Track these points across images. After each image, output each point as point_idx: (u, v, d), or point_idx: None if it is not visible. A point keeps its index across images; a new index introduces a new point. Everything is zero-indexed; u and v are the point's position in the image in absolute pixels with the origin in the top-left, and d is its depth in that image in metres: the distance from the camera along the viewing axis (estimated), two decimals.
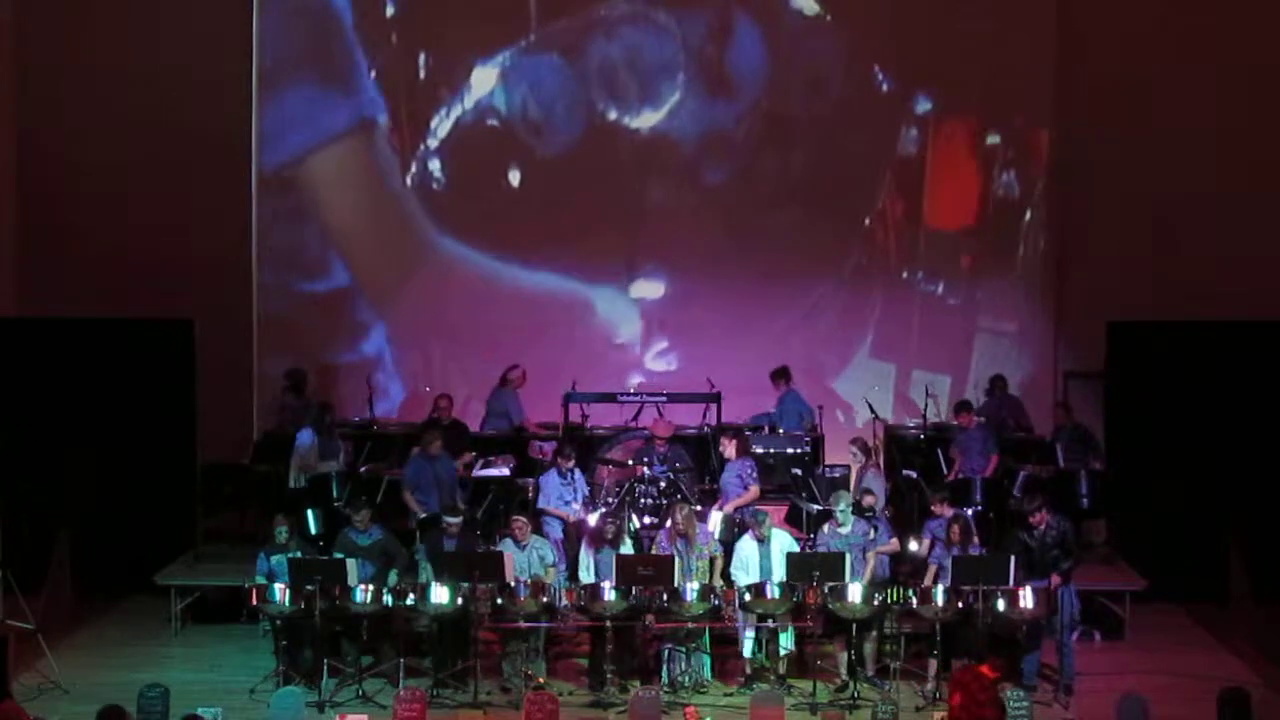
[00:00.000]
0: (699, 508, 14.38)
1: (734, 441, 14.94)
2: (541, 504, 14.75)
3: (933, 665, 13.26)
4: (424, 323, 18.57)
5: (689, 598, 13.09)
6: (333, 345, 18.41)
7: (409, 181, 18.44)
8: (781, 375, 17.16)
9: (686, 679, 13.27)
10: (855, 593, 13.09)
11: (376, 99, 18.34)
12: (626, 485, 15.17)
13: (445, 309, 18.50)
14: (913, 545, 14.06)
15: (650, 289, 18.52)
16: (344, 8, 18.27)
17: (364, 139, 18.40)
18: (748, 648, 13.52)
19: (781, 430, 16.77)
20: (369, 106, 18.34)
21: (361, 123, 18.36)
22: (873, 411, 17.21)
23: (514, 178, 18.42)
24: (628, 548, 13.71)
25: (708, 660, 13.48)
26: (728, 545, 13.93)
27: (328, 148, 18.36)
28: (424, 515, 14.64)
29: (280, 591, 13.16)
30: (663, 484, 15.15)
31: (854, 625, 13.17)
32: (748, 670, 13.51)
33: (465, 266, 18.47)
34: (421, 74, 18.35)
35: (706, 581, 13.44)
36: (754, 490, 14.74)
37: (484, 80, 18.32)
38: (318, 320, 18.43)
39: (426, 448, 15.01)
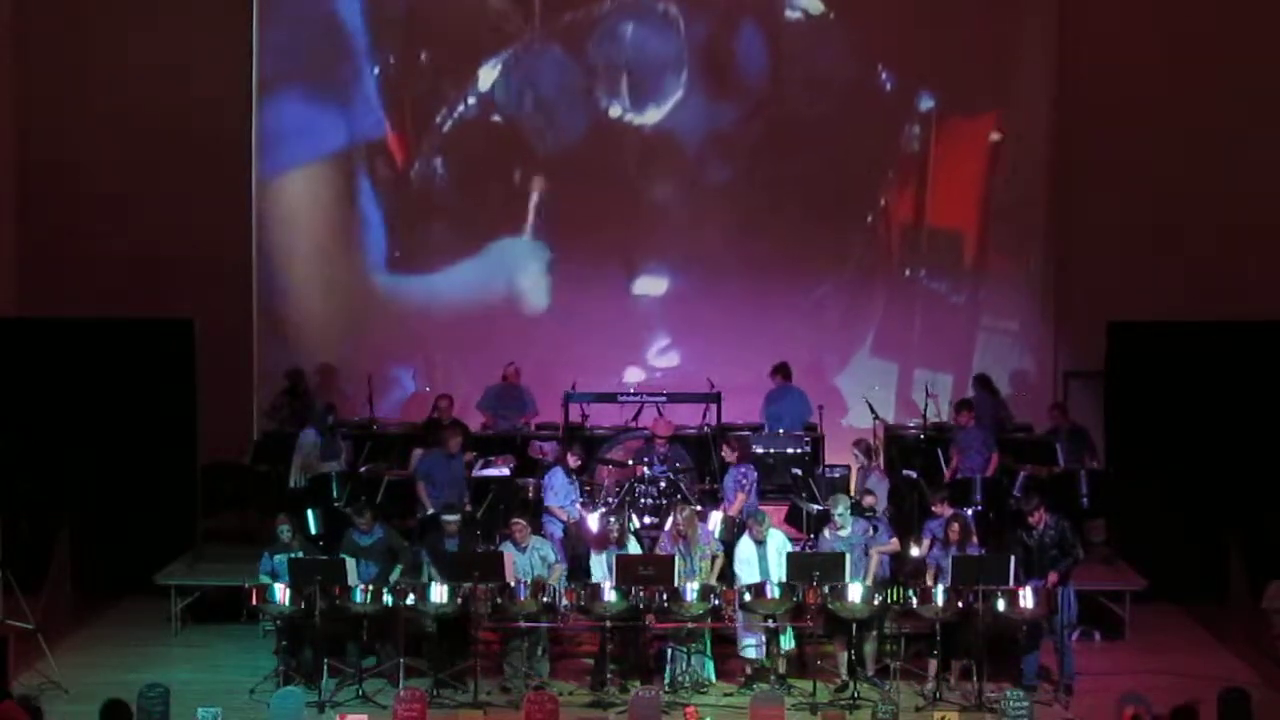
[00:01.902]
0: (699, 508, 14.37)
1: (735, 448, 14.94)
2: (550, 501, 14.72)
3: (933, 665, 13.26)
4: (424, 323, 18.54)
5: (689, 598, 13.09)
6: (340, 343, 18.39)
7: (412, 179, 18.43)
8: (778, 371, 17.15)
9: (687, 679, 13.27)
10: (855, 593, 13.09)
11: (378, 98, 18.33)
12: (626, 485, 15.17)
13: (445, 308, 18.48)
14: (913, 550, 14.06)
15: (652, 286, 18.52)
16: (346, 5, 18.26)
17: (369, 136, 18.40)
18: (751, 650, 13.50)
19: (767, 430, 16.74)
20: (370, 105, 18.34)
21: (365, 119, 18.38)
22: (873, 412, 17.19)
23: (516, 175, 18.41)
24: (634, 547, 13.70)
25: (709, 661, 13.48)
26: (729, 546, 13.93)
27: (341, 151, 18.40)
28: (431, 511, 14.60)
29: (280, 591, 13.17)
30: (663, 484, 15.15)
31: (854, 625, 13.17)
32: (748, 670, 13.50)
33: (465, 265, 18.46)
34: (424, 71, 18.33)
35: (708, 581, 13.43)
36: (740, 499, 14.71)
37: (487, 77, 18.31)
38: (323, 318, 18.41)
39: (446, 444, 14.97)
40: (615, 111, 18.38)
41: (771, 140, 18.28)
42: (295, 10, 18.33)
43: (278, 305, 18.42)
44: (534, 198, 18.39)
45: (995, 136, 18.34)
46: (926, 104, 18.33)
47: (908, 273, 18.52)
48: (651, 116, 18.38)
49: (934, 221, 18.46)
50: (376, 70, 18.34)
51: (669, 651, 13.35)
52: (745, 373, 17.34)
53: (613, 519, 13.84)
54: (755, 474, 14.93)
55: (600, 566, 13.59)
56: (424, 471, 15.01)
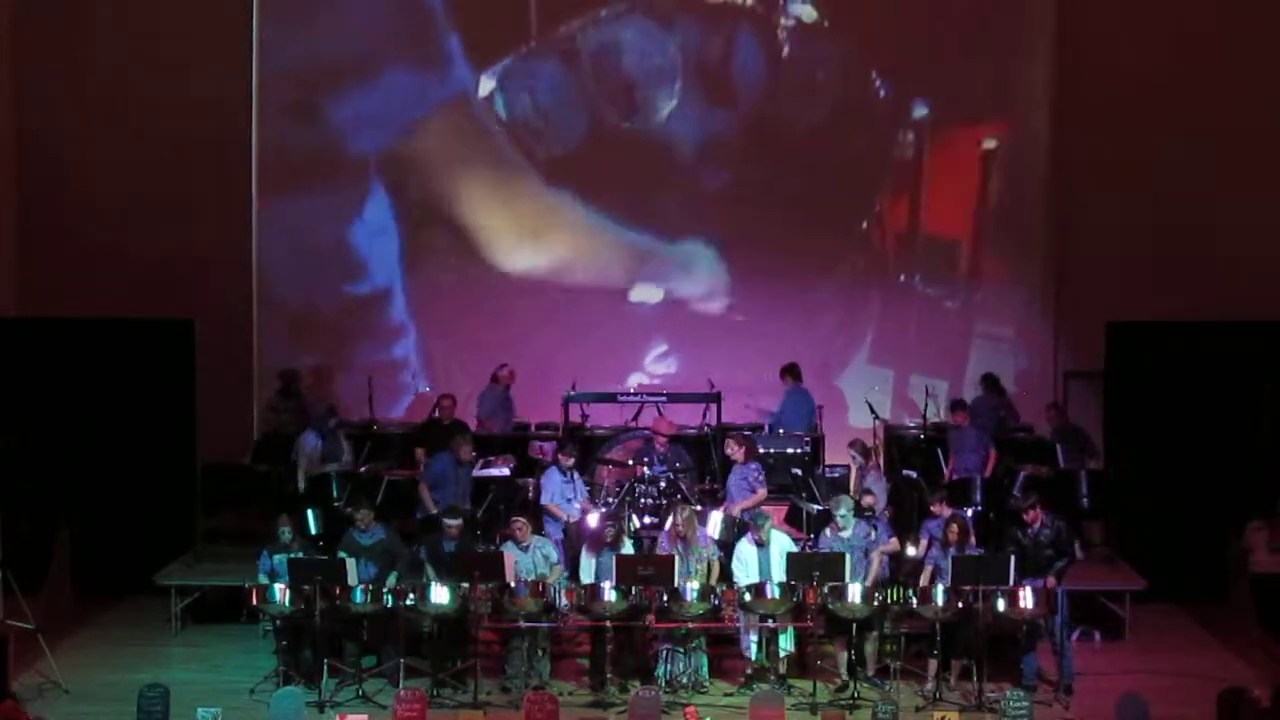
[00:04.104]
0: (699, 508, 14.37)
1: (742, 446, 14.93)
2: (544, 501, 14.74)
3: (933, 665, 13.26)
4: (424, 324, 18.54)
5: (689, 598, 13.10)
6: (340, 343, 18.40)
7: (414, 185, 18.45)
8: (789, 372, 17.19)
9: (685, 679, 13.28)
10: (855, 593, 13.09)
11: (376, 99, 18.32)
12: (626, 485, 15.17)
13: (444, 311, 18.48)
14: (910, 550, 14.06)
15: (649, 293, 18.52)
16: (344, 10, 18.25)
17: (372, 142, 18.39)
18: (751, 649, 13.50)
19: (782, 430, 16.78)
20: (374, 111, 18.33)
21: (369, 125, 18.37)
22: (873, 412, 17.20)
23: (512, 182, 18.42)
24: (628, 549, 13.71)
25: (705, 660, 13.48)
26: (728, 546, 13.93)
27: (340, 152, 18.33)
28: (433, 512, 14.59)
29: (280, 591, 13.16)
30: (663, 484, 15.16)
31: (854, 625, 13.17)
32: (749, 670, 13.50)
33: (464, 269, 18.47)
34: (422, 78, 18.31)
35: (706, 584, 13.42)
36: (761, 494, 14.73)
37: (485, 85, 18.31)
38: (323, 319, 18.41)
39: (457, 450, 14.95)
40: (611, 120, 18.37)
41: (766, 147, 18.27)
42: (296, 11, 18.30)
43: (278, 305, 18.40)
44: None
45: (990, 144, 18.34)
46: (921, 111, 18.34)
47: (903, 279, 18.53)
48: (647, 125, 18.36)
49: (929, 228, 18.47)
50: (376, 72, 18.31)
51: (665, 651, 13.35)
52: (740, 378, 17.33)
53: (610, 522, 13.84)
54: (763, 471, 14.95)
55: (590, 569, 13.59)
56: (432, 478, 14.98)
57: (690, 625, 13.25)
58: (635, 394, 17.09)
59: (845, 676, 13.30)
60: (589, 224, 18.39)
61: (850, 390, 18.18)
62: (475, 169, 18.44)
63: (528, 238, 18.42)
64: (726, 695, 13.24)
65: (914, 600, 13.17)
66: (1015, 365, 18.30)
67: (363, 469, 16.02)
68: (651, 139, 18.36)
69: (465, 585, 13.04)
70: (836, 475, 15.93)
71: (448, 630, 13.31)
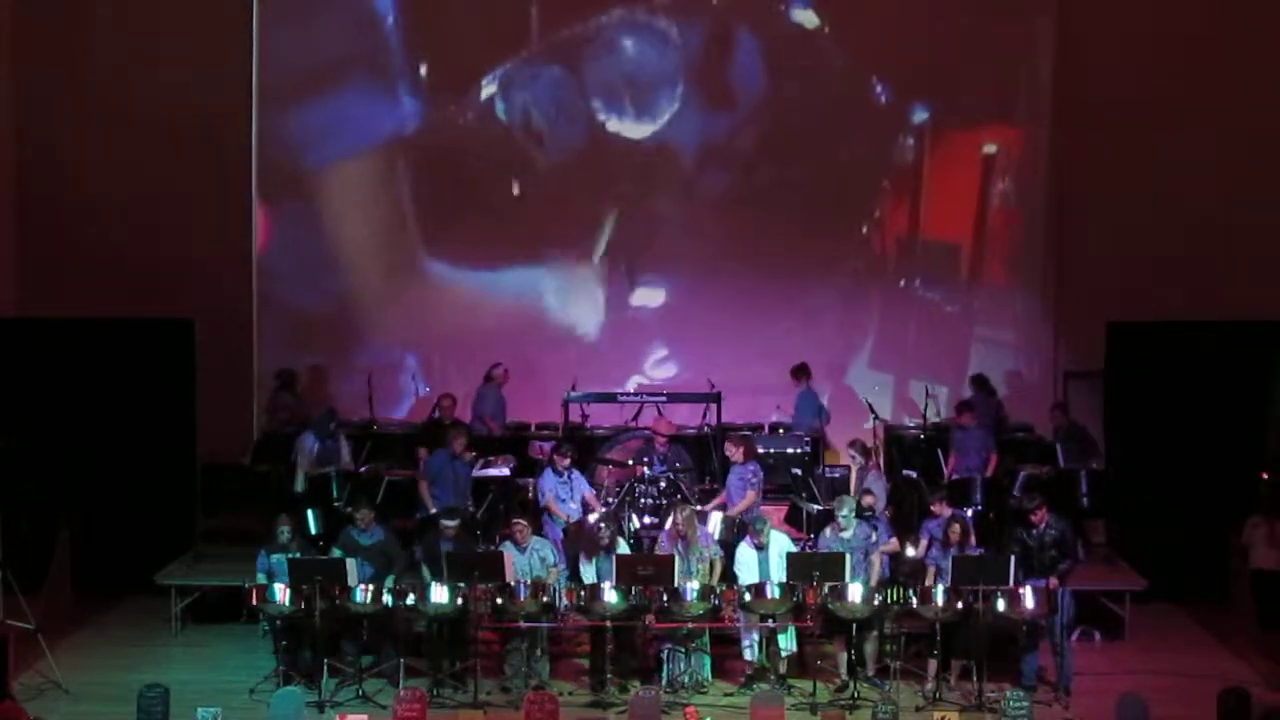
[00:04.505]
0: (699, 508, 14.37)
1: (741, 447, 14.93)
2: (543, 502, 14.75)
3: (933, 665, 13.27)
4: (424, 326, 18.55)
5: (689, 598, 13.10)
6: (339, 344, 18.40)
7: (412, 189, 18.44)
8: (800, 372, 17.21)
9: (687, 678, 13.28)
10: (855, 593, 13.10)
11: (377, 105, 18.31)
12: (626, 485, 15.17)
13: (446, 314, 18.48)
14: (910, 551, 14.06)
15: (650, 297, 18.52)
16: (345, 15, 18.24)
17: (371, 146, 18.40)
18: (750, 650, 13.51)
19: (784, 430, 16.76)
20: (370, 113, 18.32)
21: (371, 129, 18.37)
22: (873, 412, 17.21)
23: (515, 187, 18.42)
24: (623, 549, 13.71)
25: (708, 660, 13.49)
26: (728, 546, 13.94)
27: (341, 156, 18.35)
28: (432, 511, 14.59)
29: (280, 591, 13.16)
30: (663, 484, 15.16)
31: (854, 625, 13.18)
32: (749, 670, 13.50)
33: (465, 273, 18.47)
34: (423, 84, 18.32)
35: (707, 583, 13.43)
36: (751, 496, 14.72)
37: (485, 90, 18.32)
38: (324, 321, 18.41)
39: (451, 444, 14.98)
40: (612, 125, 18.37)
41: (767, 151, 18.27)
42: (296, 12, 18.30)
43: (278, 305, 18.39)
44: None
45: (990, 149, 18.33)
46: (920, 115, 18.34)
47: (903, 283, 18.53)
48: (648, 129, 18.36)
49: (929, 232, 18.46)
50: (375, 80, 18.29)
51: (668, 651, 13.35)
52: (740, 382, 17.31)
53: (603, 525, 13.83)
54: (761, 471, 14.94)
55: (590, 574, 13.59)
56: (430, 473, 15.02)
57: (690, 625, 13.25)
58: (635, 394, 17.10)
59: (845, 676, 13.31)
60: (588, 228, 18.37)
61: (849, 397, 18.15)
62: (475, 173, 18.43)
63: (525, 240, 18.40)
64: (726, 695, 13.25)
65: (914, 600, 13.18)
66: (1015, 366, 18.31)
67: (363, 469, 16.03)
68: (652, 144, 18.34)
69: (465, 585, 13.05)
70: (836, 475, 15.95)
71: (447, 630, 13.32)
